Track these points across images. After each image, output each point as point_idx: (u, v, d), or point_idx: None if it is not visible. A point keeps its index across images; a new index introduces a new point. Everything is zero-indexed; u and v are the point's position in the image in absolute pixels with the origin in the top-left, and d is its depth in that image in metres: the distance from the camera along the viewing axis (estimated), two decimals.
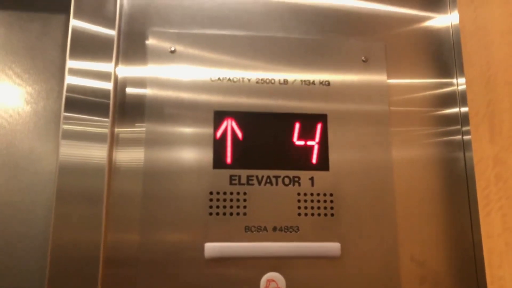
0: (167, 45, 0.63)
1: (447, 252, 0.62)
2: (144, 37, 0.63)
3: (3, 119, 0.63)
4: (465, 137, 0.65)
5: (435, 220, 0.63)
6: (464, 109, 0.66)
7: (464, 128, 0.66)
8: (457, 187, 0.64)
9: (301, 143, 0.62)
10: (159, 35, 0.63)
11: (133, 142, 0.60)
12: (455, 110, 0.67)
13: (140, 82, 0.62)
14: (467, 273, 0.62)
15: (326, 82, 0.65)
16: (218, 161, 0.60)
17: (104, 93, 0.60)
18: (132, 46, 0.63)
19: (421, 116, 0.66)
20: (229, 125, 0.61)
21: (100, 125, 0.59)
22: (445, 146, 0.66)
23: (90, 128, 0.58)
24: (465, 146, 0.65)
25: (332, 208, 0.61)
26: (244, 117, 0.62)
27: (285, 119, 0.62)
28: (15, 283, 0.58)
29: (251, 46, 0.65)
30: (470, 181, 0.64)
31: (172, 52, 0.63)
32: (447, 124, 0.67)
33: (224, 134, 0.61)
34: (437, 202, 0.64)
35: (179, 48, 0.63)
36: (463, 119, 0.66)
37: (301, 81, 0.64)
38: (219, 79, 0.63)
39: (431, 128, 0.66)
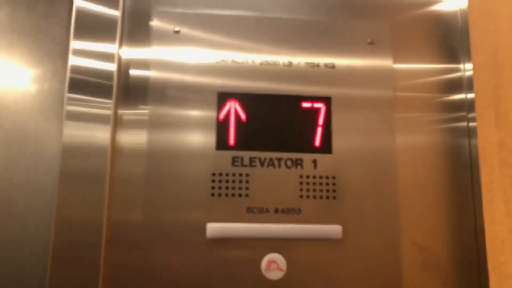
0: (171, 26, 0.63)
1: (449, 237, 0.62)
2: (148, 17, 0.63)
3: (9, 99, 0.63)
4: (471, 124, 0.65)
5: (438, 206, 0.63)
6: (470, 96, 0.65)
7: (469, 115, 0.65)
8: (461, 173, 0.64)
9: (305, 125, 0.62)
10: (163, 15, 0.63)
11: (136, 124, 0.60)
12: (461, 96, 0.67)
13: (144, 63, 0.62)
14: (468, 258, 0.62)
15: (331, 65, 0.64)
16: (221, 143, 0.60)
17: (108, 75, 0.60)
18: (136, 27, 0.63)
19: (427, 102, 0.66)
20: (233, 106, 0.61)
21: (104, 106, 0.59)
22: (450, 133, 0.65)
23: (93, 110, 0.59)
24: (471, 133, 0.65)
25: (334, 191, 0.61)
26: (247, 99, 0.62)
27: (288, 101, 0.62)
28: (19, 261, 0.59)
29: (255, 27, 0.64)
30: (474, 168, 0.63)
31: (176, 32, 0.63)
32: (452, 110, 0.66)
33: (227, 115, 0.61)
34: (440, 188, 0.63)
35: (183, 28, 0.63)
36: (469, 105, 0.65)
37: (306, 63, 0.64)
38: (223, 60, 0.63)
39: (436, 115, 0.66)
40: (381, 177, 0.62)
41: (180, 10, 0.64)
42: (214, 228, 0.58)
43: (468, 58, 0.66)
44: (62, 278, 0.55)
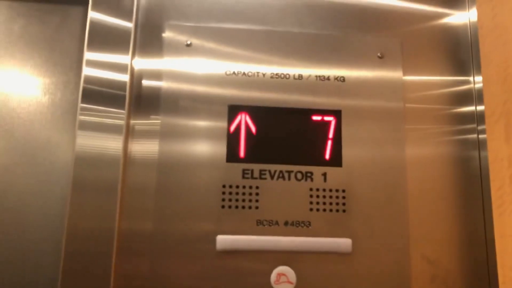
0: (183, 39, 0.64)
1: (459, 251, 0.62)
2: (160, 30, 0.64)
3: (22, 109, 0.64)
4: (481, 136, 0.65)
5: (448, 219, 0.63)
6: (480, 108, 0.65)
7: (479, 127, 0.65)
8: (471, 186, 0.64)
9: (315, 138, 0.62)
10: (176, 28, 0.64)
11: (148, 134, 0.61)
12: (471, 108, 0.67)
13: (156, 75, 0.63)
14: (478, 272, 0.62)
15: (341, 78, 0.65)
16: (231, 155, 0.61)
17: (120, 85, 0.61)
18: (149, 39, 0.64)
19: (437, 114, 0.66)
20: (243, 119, 0.62)
21: (116, 116, 0.60)
22: (460, 145, 0.65)
23: (106, 120, 0.59)
24: (481, 145, 0.64)
25: (344, 204, 0.61)
26: (258, 112, 0.62)
27: (299, 114, 0.63)
28: (31, 271, 0.60)
29: (266, 40, 0.65)
30: (484, 180, 0.63)
31: (188, 45, 0.64)
32: (462, 122, 0.66)
33: (238, 128, 0.62)
34: (450, 201, 0.63)
35: (195, 41, 0.64)
36: (479, 117, 0.65)
37: (316, 76, 0.64)
38: (234, 73, 0.63)
39: (446, 126, 0.66)
40: (391, 190, 0.62)
41: (191, 24, 0.64)
42: (224, 240, 0.58)
43: (478, 70, 0.66)
44: (73, 287, 0.55)
